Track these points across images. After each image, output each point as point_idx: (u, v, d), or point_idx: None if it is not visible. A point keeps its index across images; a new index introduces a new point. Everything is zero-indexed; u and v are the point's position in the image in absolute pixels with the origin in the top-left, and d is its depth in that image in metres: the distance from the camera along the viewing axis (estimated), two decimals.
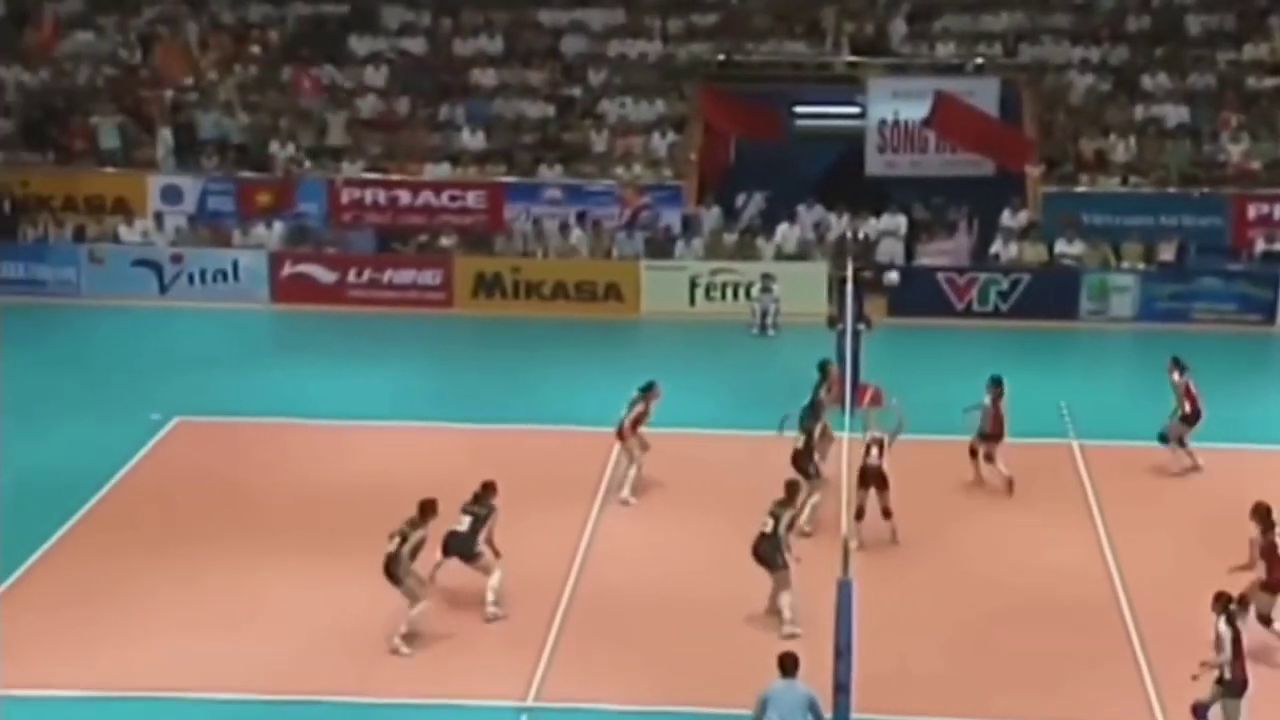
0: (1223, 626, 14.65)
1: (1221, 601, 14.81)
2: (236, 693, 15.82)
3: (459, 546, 17.35)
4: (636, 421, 20.51)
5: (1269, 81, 31.72)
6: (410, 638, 16.63)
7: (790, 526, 17.33)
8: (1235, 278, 28.84)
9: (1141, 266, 29.27)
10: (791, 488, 17.67)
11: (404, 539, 16.62)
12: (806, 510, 18.67)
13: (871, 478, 18.87)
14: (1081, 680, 16.25)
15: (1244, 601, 15.65)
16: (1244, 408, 23.77)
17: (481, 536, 17.33)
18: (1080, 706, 15.82)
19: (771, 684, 13.69)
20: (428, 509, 16.92)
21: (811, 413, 20.07)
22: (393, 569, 16.55)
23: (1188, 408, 21.14)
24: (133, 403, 23.67)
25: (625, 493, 20.33)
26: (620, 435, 20.55)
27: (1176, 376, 21.31)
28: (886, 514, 18.98)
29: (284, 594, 17.89)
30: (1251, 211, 29.84)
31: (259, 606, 17.61)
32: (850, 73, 32.76)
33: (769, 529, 17.13)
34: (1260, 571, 16.45)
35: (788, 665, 13.79)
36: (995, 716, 15.66)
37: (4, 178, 31.34)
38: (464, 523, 17.38)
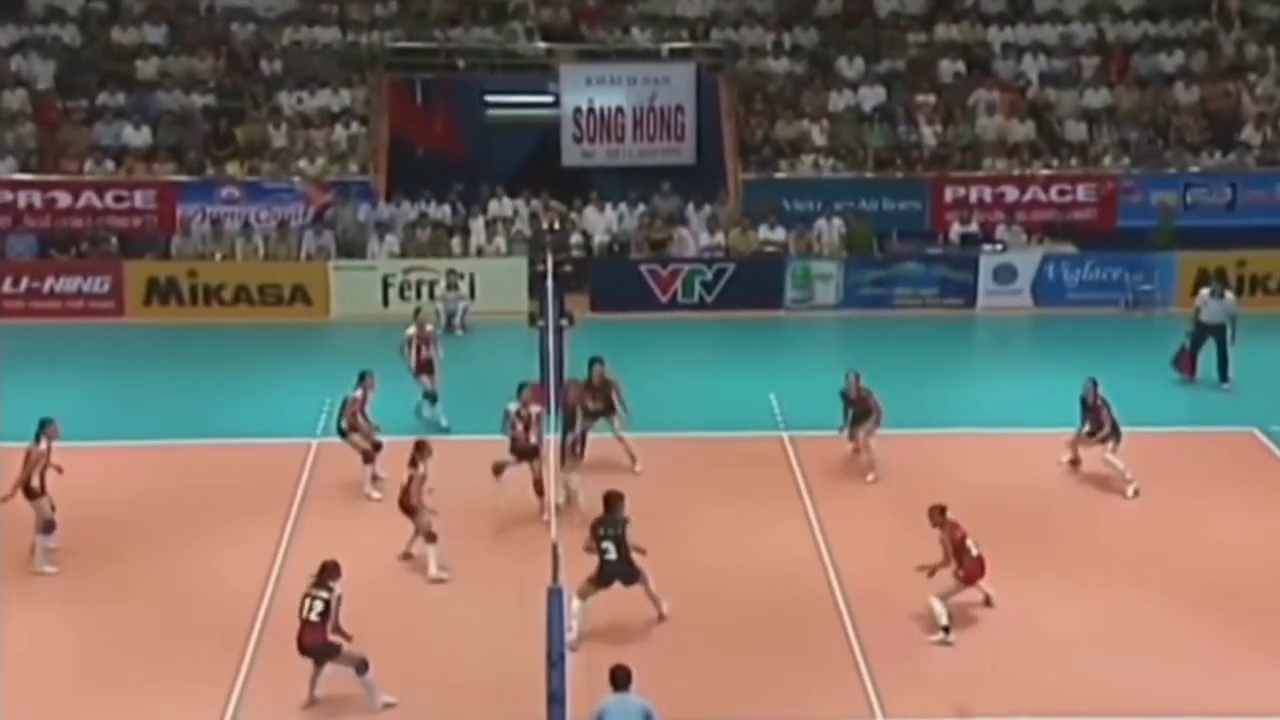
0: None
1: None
2: None
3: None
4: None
5: (959, 63, 31.83)
6: None
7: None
8: (935, 262, 28.74)
9: (844, 253, 28.99)
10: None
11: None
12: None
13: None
14: (797, 666, 16.10)
15: None
16: (949, 392, 23.92)
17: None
18: (797, 689, 15.72)
19: (605, 699, 13.16)
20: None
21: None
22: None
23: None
24: None
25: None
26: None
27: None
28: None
29: None
30: (949, 195, 29.88)
31: None
32: (543, 60, 31.73)
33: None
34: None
35: (619, 679, 13.25)
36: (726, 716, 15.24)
37: None
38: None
